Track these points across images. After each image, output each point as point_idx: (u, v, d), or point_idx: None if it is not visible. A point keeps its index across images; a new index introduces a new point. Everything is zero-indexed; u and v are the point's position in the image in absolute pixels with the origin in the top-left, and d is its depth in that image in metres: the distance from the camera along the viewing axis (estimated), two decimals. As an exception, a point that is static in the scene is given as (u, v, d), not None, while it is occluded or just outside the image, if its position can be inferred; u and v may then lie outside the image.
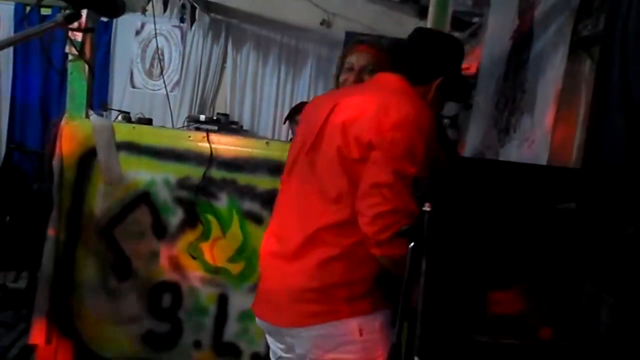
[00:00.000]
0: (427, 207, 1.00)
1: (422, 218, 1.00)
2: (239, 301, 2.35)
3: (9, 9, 4.64)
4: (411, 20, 4.70)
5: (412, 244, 1.03)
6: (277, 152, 2.29)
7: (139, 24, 4.67)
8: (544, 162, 2.56)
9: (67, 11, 0.87)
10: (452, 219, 1.22)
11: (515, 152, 3.22)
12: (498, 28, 4.04)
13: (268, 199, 2.31)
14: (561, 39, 2.65)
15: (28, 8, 4.53)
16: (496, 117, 3.75)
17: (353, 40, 1.82)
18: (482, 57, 4.44)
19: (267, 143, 2.43)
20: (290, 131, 3.99)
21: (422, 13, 4.66)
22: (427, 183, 1.07)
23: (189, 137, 2.38)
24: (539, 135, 2.80)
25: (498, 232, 1.68)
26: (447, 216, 1.08)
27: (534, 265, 1.71)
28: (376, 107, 1.30)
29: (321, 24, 4.64)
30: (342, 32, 4.64)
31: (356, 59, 1.74)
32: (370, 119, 1.29)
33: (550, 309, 1.72)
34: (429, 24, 2.44)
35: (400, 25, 4.63)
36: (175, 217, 2.37)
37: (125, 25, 4.70)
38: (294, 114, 3.97)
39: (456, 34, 4.30)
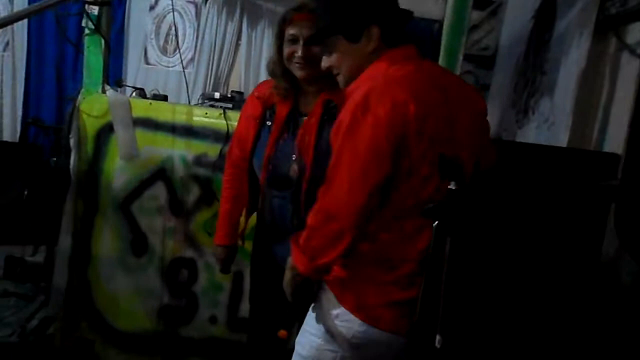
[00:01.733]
0: (452, 186, 0.99)
1: (448, 196, 0.99)
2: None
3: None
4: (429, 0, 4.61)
5: (436, 222, 1.02)
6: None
7: (154, -1, 4.64)
8: (563, 144, 2.53)
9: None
10: (478, 200, 1.20)
11: (533, 134, 3.17)
12: (519, 7, 3.96)
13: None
14: (586, 18, 2.59)
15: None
16: (514, 99, 3.70)
17: (289, 8, 1.64)
18: (501, 36, 4.36)
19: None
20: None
21: (441, -9, 4.56)
22: (451, 161, 1.06)
23: (206, 113, 2.37)
24: (559, 117, 2.75)
25: (525, 213, 1.65)
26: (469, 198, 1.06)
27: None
28: None
29: None
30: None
31: (299, 29, 1.60)
32: None
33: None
34: (449, 2, 2.39)
35: (419, 4, 4.54)
36: (192, 194, 2.38)
37: (139, 0, 4.66)
38: None
39: (476, 13, 4.22)
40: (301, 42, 1.59)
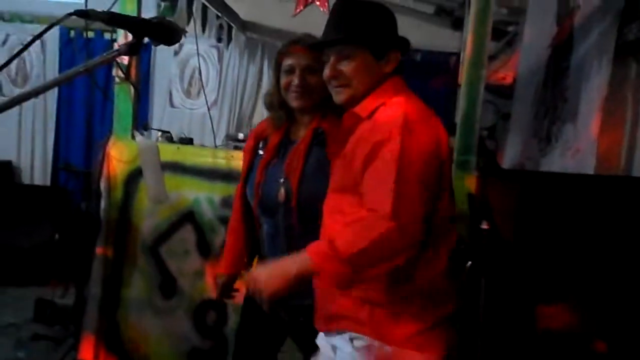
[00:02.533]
0: (484, 226, 0.98)
1: (480, 237, 0.98)
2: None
3: (54, 33, 4.81)
4: (446, 32, 4.67)
5: (469, 262, 1.01)
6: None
7: (177, 44, 4.80)
8: (590, 172, 2.49)
9: (130, 40, 0.90)
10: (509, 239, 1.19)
11: (558, 161, 3.14)
12: (535, 36, 3.98)
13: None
14: (605, 44, 2.59)
15: (72, 32, 4.71)
16: (536, 127, 3.67)
17: (285, 42, 1.69)
18: (519, 66, 4.37)
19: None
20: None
21: (457, 24, 4.62)
22: (481, 200, 1.05)
23: (232, 156, 2.42)
24: (585, 144, 2.72)
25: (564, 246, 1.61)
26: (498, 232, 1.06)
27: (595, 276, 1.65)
28: None
29: (354, 38, 4.65)
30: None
31: (296, 60, 1.63)
32: None
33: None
34: (467, 35, 2.42)
35: (435, 37, 4.61)
36: (219, 236, 2.40)
37: (164, 47, 4.82)
38: None
39: (492, 44, 4.25)
40: (297, 72, 1.63)
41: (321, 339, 1.49)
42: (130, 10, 2.48)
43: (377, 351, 1.31)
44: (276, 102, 1.71)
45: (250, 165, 1.77)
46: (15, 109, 4.79)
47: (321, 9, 3.28)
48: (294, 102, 1.66)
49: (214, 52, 4.81)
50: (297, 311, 1.67)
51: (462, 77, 2.37)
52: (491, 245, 0.96)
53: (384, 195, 1.19)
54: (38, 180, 4.97)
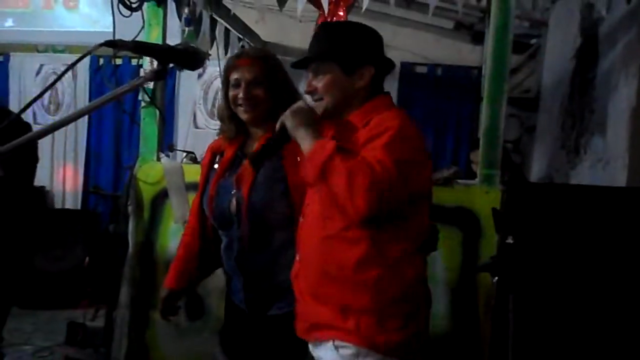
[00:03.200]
0: (510, 240, 0.97)
1: (507, 252, 0.96)
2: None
3: (84, 61, 4.96)
4: (466, 46, 4.66)
5: (495, 278, 0.99)
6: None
7: (201, 67, 4.89)
8: (622, 184, 2.44)
9: (156, 67, 0.93)
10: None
11: (588, 173, 3.08)
12: (558, 48, 3.94)
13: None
14: (630, 55, 2.55)
15: (102, 60, 4.86)
16: (563, 139, 3.62)
17: (232, 55, 1.76)
18: (542, 78, 4.33)
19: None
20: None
21: (477, 38, 4.61)
22: (506, 214, 1.04)
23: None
24: (614, 156, 2.67)
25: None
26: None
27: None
28: None
29: (375, 56, 4.67)
30: (396, 63, 4.64)
31: (241, 74, 1.67)
32: None
33: None
34: (488, 48, 2.41)
35: (455, 52, 4.60)
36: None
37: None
38: None
39: (514, 57, 4.23)
40: (243, 86, 1.66)
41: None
42: (155, 36, 2.55)
43: (364, 359, 1.34)
44: (226, 116, 1.74)
45: (206, 179, 1.78)
46: (49, 136, 4.96)
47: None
48: (242, 115, 1.68)
49: (237, 74, 4.89)
50: (276, 321, 1.67)
51: (484, 91, 2.35)
52: (519, 261, 0.94)
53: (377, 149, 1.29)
54: (69, 204, 5.09)
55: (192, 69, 1.06)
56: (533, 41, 4.50)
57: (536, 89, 4.47)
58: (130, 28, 2.62)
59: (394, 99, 5.14)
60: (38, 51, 5.17)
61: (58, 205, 5.09)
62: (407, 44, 4.58)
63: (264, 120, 1.66)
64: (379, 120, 1.38)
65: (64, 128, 4.77)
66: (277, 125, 1.42)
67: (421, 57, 4.63)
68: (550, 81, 4.13)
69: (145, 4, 2.61)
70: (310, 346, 1.49)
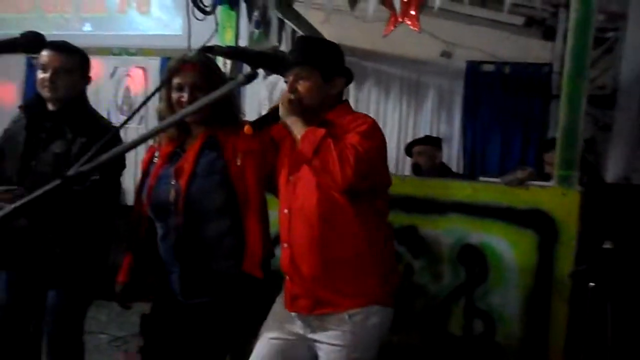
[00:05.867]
0: (608, 245, 0.93)
1: (603, 257, 0.93)
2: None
3: (155, 64, 5.19)
4: (536, 42, 4.50)
5: (591, 284, 0.96)
6: (412, 188, 2.29)
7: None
8: None
9: (249, 71, 0.96)
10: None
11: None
12: (639, 41, 3.74)
13: (404, 236, 2.31)
14: None
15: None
16: (643, 138, 3.43)
17: (176, 59, 1.81)
18: (621, 74, 4.11)
19: (402, 179, 2.43)
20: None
21: (548, 34, 4.44)
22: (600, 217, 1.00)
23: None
24: None
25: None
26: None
27: None
28: None
29: (441, 55, 4.60)
30: (463, 62, 4.55)
31: (184, 78, 1.76)
32: None
33: None
34: (560, 44, 2.32)
35: (525, 49, 4.45)
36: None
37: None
38: (410, 147, 3.98)
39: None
40: (187, 89, 1.75)
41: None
42: (229, 39, 2.64)
43: (375, 315, 1.64)
44: (167, 117, 1.81)
45: (144, 174, 1.87)
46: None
47: (412, 28, 3.27)
48: (187, 118, 1.77)
49: (301, 74, 4.95)
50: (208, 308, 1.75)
51: (562, 90, 2.27)
52: (617, 267, 0.90)
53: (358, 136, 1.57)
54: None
55: (280, 73, 1.10)
56: (609, 35, 4.28)
57: (612, 85, 4.25)
58: (200, 32, 2.73)
59: (460, 99, 5.04)
60: (112, 54, 5.43)
61: (129, 202, 5.32)
62: (474, 42, 4.47)
63: (205, 121, 1.78)
64: (354, 117, 1.68)
65: (137, 129, 5.01)
66: (271, 108, 1.66)
67: (489, 55, 4.51)
68: (629, 77, 3.92)
69: (219, 7, 2.70)
70: (312, 319, 1.67)
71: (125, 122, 1.07)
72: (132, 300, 1.97)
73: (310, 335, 1.68)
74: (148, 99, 0.95)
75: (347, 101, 1.80)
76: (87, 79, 2.15)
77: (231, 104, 1.79)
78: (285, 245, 1.70)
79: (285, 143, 1.75)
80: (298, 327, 1.70)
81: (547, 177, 2.67)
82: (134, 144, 0.89)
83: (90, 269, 2.12)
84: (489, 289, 2.24)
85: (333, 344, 1.63)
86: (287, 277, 1.72)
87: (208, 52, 0.94)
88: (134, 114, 0.98)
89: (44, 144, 2.04)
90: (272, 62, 1.03)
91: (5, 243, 1.99)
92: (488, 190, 2.31)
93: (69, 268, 2.05)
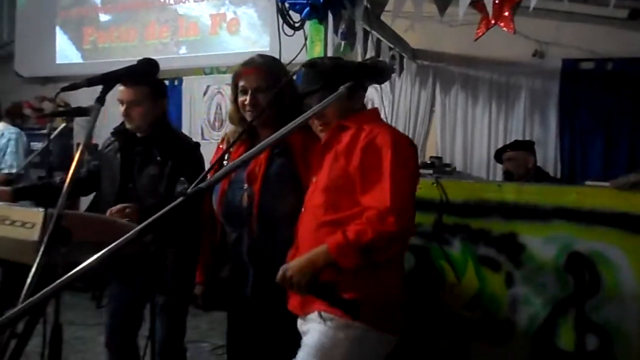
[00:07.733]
0: None
1: None
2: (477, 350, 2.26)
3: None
4: (641, 36, 4.15)
5: None
6: (510, 194, 2.20)
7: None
8: None
9: (349, 83, 0.98)
10: None
11: None
12: None
13: (503, 244, 2.22)
14: None
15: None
16: None
17: (240, 64, 1.85)
18: None
19: (499, 186, 2.35)
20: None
21: (655, 26, 4.09)
22: None
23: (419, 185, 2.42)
24: None
25: None
26: None
27: None
28: None
29: (533, 55, 4.39)
30: (558, 61, 4.31)
31: (247, 82, 1.80)
32: None
33: None
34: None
35: (629, 43, 4.13)
36: (407, 263, 2.40)
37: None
38: (500, 154, 3.82)
39: None
40: (249, 92, 1.79)
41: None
42: (318, 52, 2.68)
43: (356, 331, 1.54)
44: (236, 119, 1.88)
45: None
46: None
47: (506, 31, 3.14)
48: (249, 119, 1.81)
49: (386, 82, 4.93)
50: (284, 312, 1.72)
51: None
52: None
53: (381, 192, 1.49)
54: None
55: (380, 83, 1.10)
56: None
57: None
58: (290, 47, 2.80)
59: (555, 99, 4.77)
60: (205, 73, 5.74)
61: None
62: (571, 39, 4.23)
63: (270, 124, 1.77)
64: (372, 127, 1.58)
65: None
66: (304, 292, 1.53)
67: (589, 53, 4.23)
68: None
69: (307, 22, 2.76)
70: (300, 322, 1.65)
71: (241, 135, 1.12)
72: (213, 307, 2.06)
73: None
74: (263, 111, 0.99)
75: (371, 110, 1.76)
76: (160, 104, 2.27)
77: (298, 106, 1.73)
78: (295, 245, 1.70)
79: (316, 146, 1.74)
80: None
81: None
82: (247, 159, 0.92)
83: (191, 274, 2.23)
84: (603, 300, 2.09)
85: (304, 343, 1.60)
86: None
87: (311, 67, 0.96)
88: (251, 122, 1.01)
89: (138, 167, 2.22)
90: (373, 73, 1.04)
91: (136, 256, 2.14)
92: (595, 195, 2.16)
93: (177, 274, 2.19)
